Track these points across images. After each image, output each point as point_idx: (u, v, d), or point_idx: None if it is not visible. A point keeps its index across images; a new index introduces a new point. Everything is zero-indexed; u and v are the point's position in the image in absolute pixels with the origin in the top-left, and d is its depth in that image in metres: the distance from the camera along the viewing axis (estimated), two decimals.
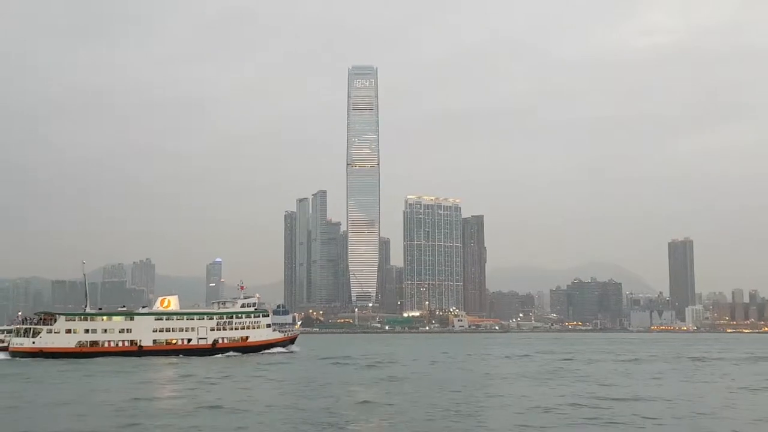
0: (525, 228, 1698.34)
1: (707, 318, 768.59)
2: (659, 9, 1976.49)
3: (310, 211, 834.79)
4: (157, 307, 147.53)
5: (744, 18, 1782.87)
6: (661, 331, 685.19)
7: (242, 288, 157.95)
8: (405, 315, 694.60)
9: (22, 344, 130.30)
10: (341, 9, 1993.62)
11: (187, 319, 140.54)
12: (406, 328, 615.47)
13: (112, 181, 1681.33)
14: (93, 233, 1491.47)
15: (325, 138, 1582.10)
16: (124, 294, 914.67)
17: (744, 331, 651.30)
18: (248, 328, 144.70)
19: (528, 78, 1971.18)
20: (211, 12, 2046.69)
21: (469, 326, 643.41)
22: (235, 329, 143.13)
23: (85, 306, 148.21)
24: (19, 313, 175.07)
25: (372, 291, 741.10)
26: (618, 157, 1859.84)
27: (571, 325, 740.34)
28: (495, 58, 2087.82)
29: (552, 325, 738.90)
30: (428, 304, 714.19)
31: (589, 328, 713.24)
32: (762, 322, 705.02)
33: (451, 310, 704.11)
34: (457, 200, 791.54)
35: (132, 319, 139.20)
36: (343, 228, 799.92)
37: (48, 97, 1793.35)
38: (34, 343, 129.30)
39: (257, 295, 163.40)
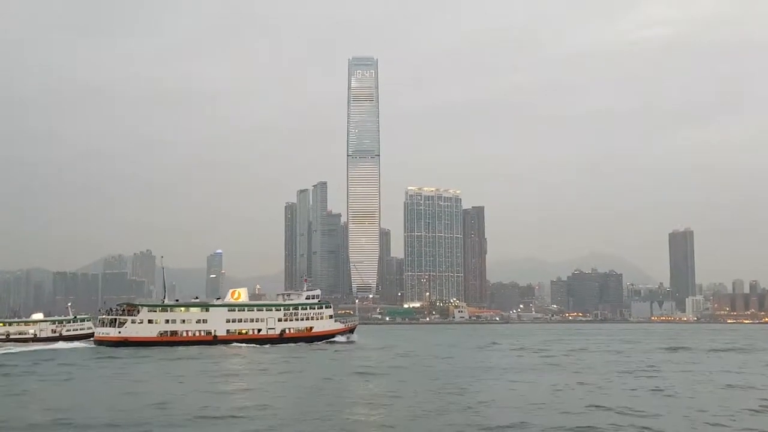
0: (525, 219, 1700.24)
1: (707, 309, 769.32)
2: (659, 1, 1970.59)
3: (311, 203, 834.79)
4: (228, 299, 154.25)
5: (744, 10, 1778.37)
6: (662, 321, 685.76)
7: (306, 281, 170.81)
8: (405, 306, 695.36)
9: (108, 333, 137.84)
10: (342, 2, 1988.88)
11: (257, 310, 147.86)
12: (407, 319, 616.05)
13: (113, 173, 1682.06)
14: (93, 225, 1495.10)
15: (325, 129, 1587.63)
16: (124, 285, 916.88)
17: (744, 321, 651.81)
18: (312, 318, 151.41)
19: (529, 69, 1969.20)
20: (213, 5, 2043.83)
21: (470, 317, 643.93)
22: (301, 320, 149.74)
23: (164, 297, 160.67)
24: (103, 304, 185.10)
25: (372, 282, 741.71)
26: (619, 148, 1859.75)
27: (571, 315, 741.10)
28: (495, 49, 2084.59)
29: (552, 316, 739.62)
30: (429, 295, 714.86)
31: (590, 318, 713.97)
32: (762, 313, 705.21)
33: (452, 301, 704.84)
34: (458, 191, 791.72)
35: (207, 310, 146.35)
36: (343, 219, 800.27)
37: (50, 90, 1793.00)
38: (119, 332, 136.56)
39: (258, 286, 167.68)
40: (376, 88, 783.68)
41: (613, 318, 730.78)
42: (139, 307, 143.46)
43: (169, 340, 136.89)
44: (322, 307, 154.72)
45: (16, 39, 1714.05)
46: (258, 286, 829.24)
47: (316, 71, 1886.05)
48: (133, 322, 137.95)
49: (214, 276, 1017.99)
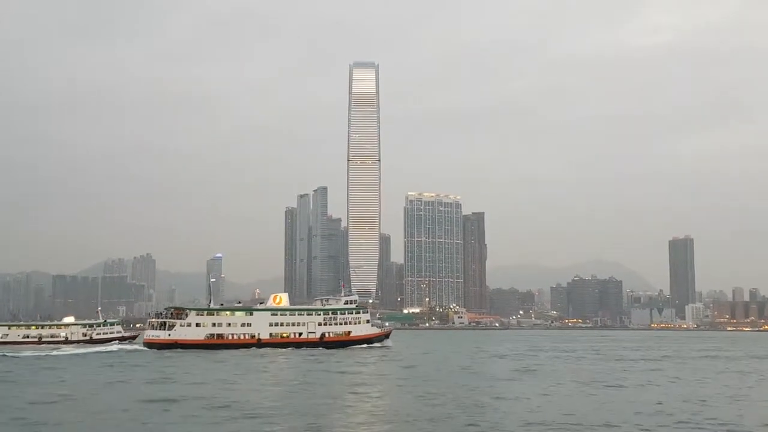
0: (525, 225, 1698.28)
1: (707, 316, 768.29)
2: (661, 8, 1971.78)
3: (311, 207, 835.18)
4: (270, 303, 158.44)
5: (746, 17, 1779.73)
6: (661, 329, 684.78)
7: (343, 286, 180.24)
8: (405, 311, 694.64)
9: (158, 336, 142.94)
10: (342, 6, 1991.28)
11: (299, 315, 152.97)
12: (406, 325, 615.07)
13: (113, 177, 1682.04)
14: (94, 228, 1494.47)
15: (325, 134, 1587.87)
16: (124, 289, 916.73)
17: (744, 329, 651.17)
18: (350, 323, 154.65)
19: (529, 75, 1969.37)
20: (214, 10, 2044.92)
21: (469, 323, 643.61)
22: (340, 324, 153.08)
23: (209, 302, 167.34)
24: (152, 309, 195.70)
25: (372, 287, 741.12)
26: (619, 155, 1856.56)
27: (571, 322, 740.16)
28: (496, 55, 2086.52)
29: (552, 322, 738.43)
30: (428, 300, 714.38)
31: (589, 325, 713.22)
32: (762, 321, 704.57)
33: (452, 306, 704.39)
34: (458, 197, 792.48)
35: (251, 314, 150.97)
36: (343, 224, 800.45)
37: (51, 93, 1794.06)
38: (169, 335, 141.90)
39: (257, 290, 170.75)
40: (377, 92, 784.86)
41: (613, 325, 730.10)
42: (187, 311, 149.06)
43: (216, 343, 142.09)
44: (359, 312, 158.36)
45: (16, 41, 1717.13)
46: (257, 291, 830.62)
47: (317, 75, 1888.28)
48: (181, 325, 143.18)
49: (214, 280, 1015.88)
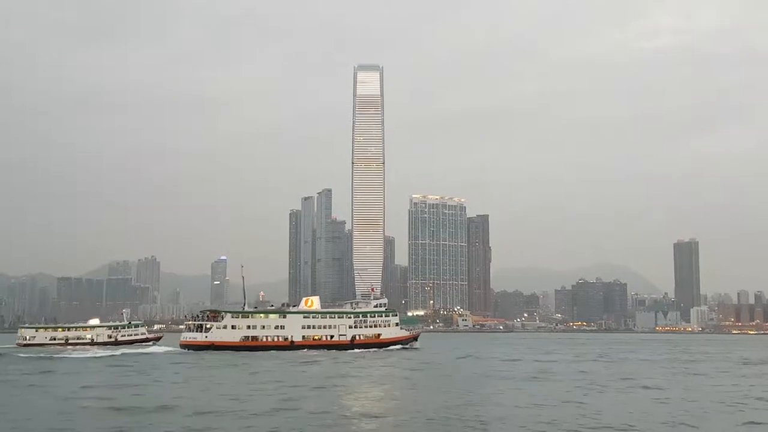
0: (530, 228, 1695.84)
1: (712, 319, 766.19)
2: (664, 11, 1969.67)
3: (315, 210, 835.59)
4: (302, 306, 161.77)
5: (749, 20, 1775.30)
6: (666, 332, 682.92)
7: (373, 290, 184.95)
8: (409, 314, 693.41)
9: (195, 338, 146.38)
10: (347, 8, 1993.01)
11: (330, 318, 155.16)
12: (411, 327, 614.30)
13: (118, 179, 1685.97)
14: (98, 231, 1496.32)
15: (330, 137, 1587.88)
16: (129, 291, 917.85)
17: (749, 332, 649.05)
18: (380, 326, 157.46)
19: (534, 78, 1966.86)
20: (218, 13, 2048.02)
21: (474, 326, 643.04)
22: (370, 327, 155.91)
23: (244, 305, 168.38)
24: (188, 312, 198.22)
25: (376, 290, 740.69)
26: (623, 157, 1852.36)
27: (575, 325, 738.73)
28: (501, 58, 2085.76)
29: (556, 325, 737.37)
30: (432, 303, 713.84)
31: (594, 328, 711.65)
32: (767, 324, 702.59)
33: (456, 309, 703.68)
34: (462, 200, 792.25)
35: (285, 317, 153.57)
36: (347, 227, 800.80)
37: (56, 95, 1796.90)
38: (206, 337, 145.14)
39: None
40: (382, 95, 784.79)
41: (618, 328, 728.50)
42: (223, 313, 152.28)
43: (251, 345, 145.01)
44: (388, 315, 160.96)
45: (20, 44, 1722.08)
46: (262, 293, 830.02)
47: (321, 77, 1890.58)
48: (217, 327, 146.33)
49: (218, 282, 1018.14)
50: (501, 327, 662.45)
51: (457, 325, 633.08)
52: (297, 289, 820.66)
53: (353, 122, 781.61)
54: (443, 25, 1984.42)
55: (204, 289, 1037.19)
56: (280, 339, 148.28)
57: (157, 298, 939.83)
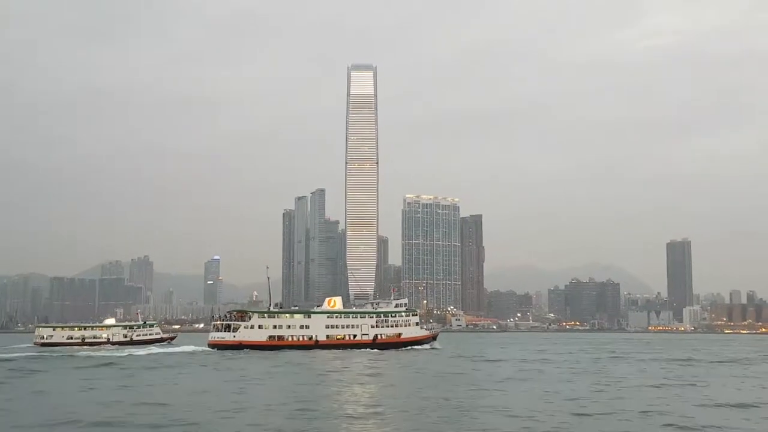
0: (523, 228, 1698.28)
1: (705, 319, 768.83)
2: (665, 11, 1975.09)
3: (309, 210, 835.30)
4: (325, 306, 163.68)
5: (750, 21, 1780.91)
6: (659, 331, 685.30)
7: (394, 290, 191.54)
8: None
9: (223, 338, 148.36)
10: (341, 8, 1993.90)
11: (353, 317, 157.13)
12: None
13: (111, 178, 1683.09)
14: (91, 230, 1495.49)
15: (324, 136, 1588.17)
16: (122, 291, 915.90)
17: (741, 332, 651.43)
18: (401, 325, 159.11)
19: (529, 79, 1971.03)
20: (216, 14, 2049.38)
21: (467, 325, 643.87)
22: (391, 326, 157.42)
23: (269, 305, 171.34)
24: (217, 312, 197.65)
25: (370, 289, 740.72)
26: (619, 157, 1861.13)
27: (568, 325, 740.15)
28: (496, 58, 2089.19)
29: (549, 325, 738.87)
30: (426, 303, 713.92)
31: (587, 328, 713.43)
32: (759, 323, 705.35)
33: (449, 309, 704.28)
34: (456, 200, 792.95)
35: (309, 317, 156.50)
36: (341, 226, 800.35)
37: (52, 94, 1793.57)
38: (234, 336, 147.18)
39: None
40: (375, 95, 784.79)
41: (611, 327, 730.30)
42: (250, 313, 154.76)
43: (277, 344, 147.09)
44: (409, 315, 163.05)
45: (20, 44, 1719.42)
46: (255, 293, 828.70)
47: (315, 78, 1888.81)
48: (245, 327, 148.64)
49: (212, 282, 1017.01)
50: (494, 327, 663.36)
51: (451, 325, 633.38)
52: (290, 289, 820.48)
53: (347, 122, 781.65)
54: (437, 26, 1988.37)
55: (197, 288, 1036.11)
56: (305, 338, 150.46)
57: (150, 297, 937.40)
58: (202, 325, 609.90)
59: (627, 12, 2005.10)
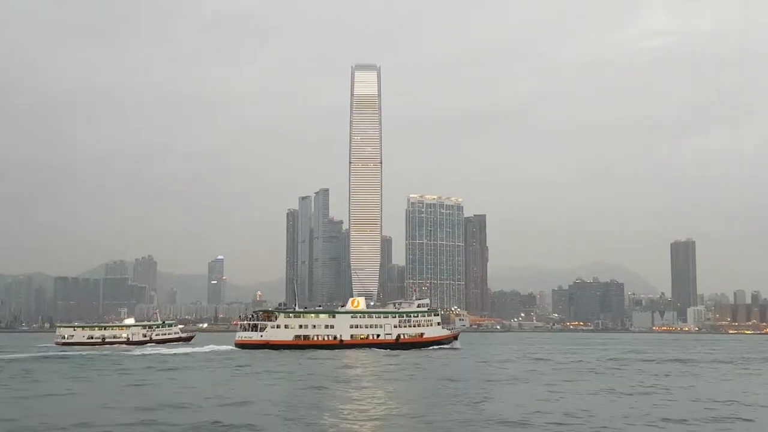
0: (527, 228, 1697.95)
1: (709, 319, 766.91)
2: (661, 12, 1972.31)
3: (312, 210, 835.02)
4: (349, 306, 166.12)
5: (746, 21, 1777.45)
6: (663, 331, 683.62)
7: (415, 291, 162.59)
8: None
9: (250, 337, 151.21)
10: (344, 9, 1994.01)
11: (376, 317, 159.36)
12: None
13: (115, 178, 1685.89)
14: (95, 230, 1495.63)
15: (327, 136, 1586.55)
16: (126, 291, 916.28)
17: (746, 332, 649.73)
18: (423, 325, 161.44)
19: (531, 79, 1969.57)
20: (217, 13, 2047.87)
21: (471, 325, 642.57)
22: (413, 326, 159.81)
23: (295, 305, 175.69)
24: (244, 312, 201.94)
25: (374, 289, 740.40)
26: (621, 157, 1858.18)
27: (572, 325, 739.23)
28: (498, 58, 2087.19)
29: (553, 325, 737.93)
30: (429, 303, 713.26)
31: (591, 328, 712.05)
32: (764, 324, 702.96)
33: (453, 309, 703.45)
34: (460, 199, 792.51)
35: (334, 317, 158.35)
36: (345, 226, 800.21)
37: (53, 94, 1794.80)
38: (261, 336, 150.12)
39: (259, 292, 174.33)
40: (379, 95, 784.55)
41: (615, 327, 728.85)
42: (276, 313, 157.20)
43: (303, 344, 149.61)
44: (431, 315, 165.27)
45: (20, 44, 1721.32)
46: (259, 293, 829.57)
47: (319, 77, 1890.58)
48: (272, 327, 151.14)
49: (215, 282, 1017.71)
50: (498, 327, 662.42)
51: (455, 325, 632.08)
52: (294, 289, 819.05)
53: (350, 122, 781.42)
54: (440, 26, 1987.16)
55: (201, 288, 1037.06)
56: (330, 338, 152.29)
57: (153, 297, 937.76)
58: (205, 325, 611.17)
59: (627, 12, 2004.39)
